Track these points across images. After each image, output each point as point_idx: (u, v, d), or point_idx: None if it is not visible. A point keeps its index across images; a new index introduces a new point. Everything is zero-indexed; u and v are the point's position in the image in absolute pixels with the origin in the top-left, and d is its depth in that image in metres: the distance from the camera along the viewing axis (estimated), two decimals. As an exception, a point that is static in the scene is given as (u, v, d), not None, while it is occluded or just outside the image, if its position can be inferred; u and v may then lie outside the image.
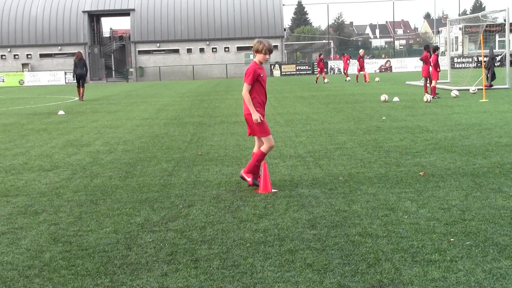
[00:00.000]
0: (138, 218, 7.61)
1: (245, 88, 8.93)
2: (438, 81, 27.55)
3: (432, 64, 26.84)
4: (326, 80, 47.00)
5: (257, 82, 8.97)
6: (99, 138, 16.14)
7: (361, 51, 48.23)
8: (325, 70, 51.77)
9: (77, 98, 37.01)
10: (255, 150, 9.28)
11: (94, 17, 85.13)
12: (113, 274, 5.61)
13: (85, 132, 17.84)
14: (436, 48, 27.58)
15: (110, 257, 6.11)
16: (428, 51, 28.31)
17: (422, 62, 28.29)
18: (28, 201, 8.83)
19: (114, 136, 16.56)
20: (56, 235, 6.98)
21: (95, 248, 6.40)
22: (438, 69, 26.69)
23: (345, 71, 51.23)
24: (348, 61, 51.42)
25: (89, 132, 17.80)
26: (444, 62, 49.96)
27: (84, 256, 6.15)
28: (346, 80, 47.80)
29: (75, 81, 35.69)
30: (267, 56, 8.99)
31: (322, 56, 49.07)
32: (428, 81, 27.88)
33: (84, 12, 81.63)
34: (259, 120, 8.87)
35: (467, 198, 7.96)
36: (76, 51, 39.00)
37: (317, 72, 49.27)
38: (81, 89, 35.28)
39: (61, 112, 24.99)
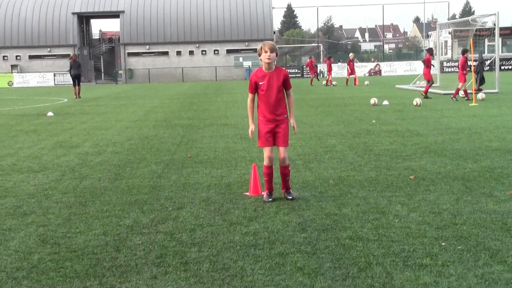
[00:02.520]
0: (127, 220, 7.55)
1: (248, 97, 8.57)
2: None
3: (460, 66, 26.56)
4: (334, 83, 47.17)
5: (259, 91, 8.42)
6: (88, 140, 16.06)
7: (351, 55, 48.34)
8: (316, 72, 52.00)
9: (66, 100, 37.12)
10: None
11: (84, 19, 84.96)
12: (102, 276, 5.56)
13: (74, 133, 17.75)
14: (465, 51, 26.77)
15: (99, 259, 6.05)
16: (431, 54, 28.39)
17: (423, 64, 28.35)
18: (16, 202, 8.75)
19: (103, 137, 16.48)
20: (45, 236, 6.92)
21: (84, 250, 6.35)
22: (464, 71, 26.21)
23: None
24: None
25: (78, 133, 17.71)
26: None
27: (73, 258, 6.10)
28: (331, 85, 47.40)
29: (72, 81, 39.45)
30: (269, 54, 8.17)
31: (332, 59, 49.10)
32: (428, 83, 27.99)
33: (73, 13, 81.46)
34: (250, 136, 8.58)
35: (458, 202, 7.95)
36: (65, 53, 41.10)
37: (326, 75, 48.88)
38: (77, 87, 38.61)
39: (50, 114, 24.87)
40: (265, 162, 8.51)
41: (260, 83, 8.37)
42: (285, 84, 8.47)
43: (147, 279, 5.46)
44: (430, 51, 29.40)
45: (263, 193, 8.64)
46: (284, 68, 8.39)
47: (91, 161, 12.43)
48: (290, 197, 8.45)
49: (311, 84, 48.56)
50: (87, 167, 11.65)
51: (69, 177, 10.65)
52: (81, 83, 39.76)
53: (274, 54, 8.28)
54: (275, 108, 8.38)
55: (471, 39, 28.30)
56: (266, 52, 8.24)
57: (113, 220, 7.55)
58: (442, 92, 30.21)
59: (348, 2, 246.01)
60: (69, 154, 13.46)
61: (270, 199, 8.41)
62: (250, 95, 8.55)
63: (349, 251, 6.06)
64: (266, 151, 8.46)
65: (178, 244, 6.49)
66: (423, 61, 28.62)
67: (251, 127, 8.56)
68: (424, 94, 27.74)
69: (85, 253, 6.24)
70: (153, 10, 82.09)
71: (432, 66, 29.16)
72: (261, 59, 8.39)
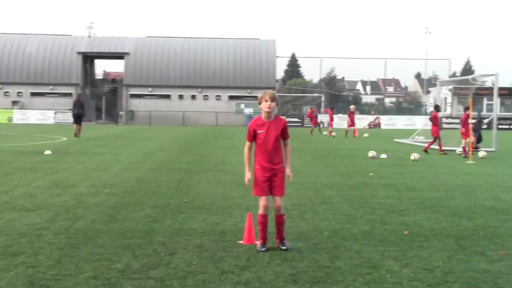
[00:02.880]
0: (118, 264, 7.52)
1: (246, 145, 8.62)
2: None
3: (462, 123, 26.89)
4: (334, 133, 47.01)
5: (257, 139, 8.49)
6: (84, 180, 16.05)
7: (352, 107, 48.55)
8: (317, 123, 52.19)
9: (65, 138, 37.20)
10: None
11: (88, 59, 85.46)
12: (90, 320, 5.52)
13: (71, 173, 17.74)
14: (467, 108, 27.01)
15: (87, 302, 6.01)
16: (438, 111, 28.53)
17: (431, 122, 28.48)
18: (7, 241, 8.71)
19: (100, 178, 16.47)
20: (34, 278, 6.88)
21: (73, 293, 6.31)
22: (464, 129, 26.52)
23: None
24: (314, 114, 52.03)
25: (75, 173, 17.71)
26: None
27: (61, 301, 6.05)
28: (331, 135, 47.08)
29: (74, 120, 39.96)
30: (269, 103, 8.32)
31: (352, 109, 48.25)
32: (437, 141, 28.03)
33: (78, 53, 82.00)
34: (246, 184, 8.62)
35: (450, 260, 7.93)
36: (67, 92, 42.19)
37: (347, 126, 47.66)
38: (78, 126, 39.19)
39: (47, 152, 24.87)
40: (261, 211, 8.51)
41: (258, 131, 8.44)
42: (283, 134, 8.53)
43: (134, 325, 5.42)
44: (436, 108, 29.56)
45: (257, 242, 8.61)
46: (284, 117, 8.45)
47: (86, 202, 12.41)
48: (284, 248, 8.43)
49: (311, 134, 48.72)
50: (81, 208, 11.63)
51: (63, 218, 10.62)
52: (82, 123, 40.28)
53: (275, 104, 8.39)
54: (272, 157, 8.43)
55: (471, 98, 28.51)
56: (266, 101, 8.36)
57: (104, 264, 7.51)
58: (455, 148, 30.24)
59: (351, 54, 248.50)
60: (64, 194, 13.44)
61: (263, 249, 8.37)
62: (247, 143, 8.59)
63: (339, 305, 6.03)
64: (262, 200, 8.47)
65: (168, 290, 6.46)
66: (430, 119, 28.70)
67: (247, 175, 8.60)
68: (441, 152, 27.80)
69: (74, 296, 6.20)
70: (158, 53, 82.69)
71: (440, 125, 29.27)
72: (261, 108, 8.46)
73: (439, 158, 25.56)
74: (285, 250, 8.37)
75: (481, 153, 25.97)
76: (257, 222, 8.63)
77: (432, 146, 28.28)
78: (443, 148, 28.19)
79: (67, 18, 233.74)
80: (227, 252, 8.22)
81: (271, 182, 8.45)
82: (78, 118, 39.37)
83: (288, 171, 8.61)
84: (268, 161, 8.43)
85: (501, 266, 7.66)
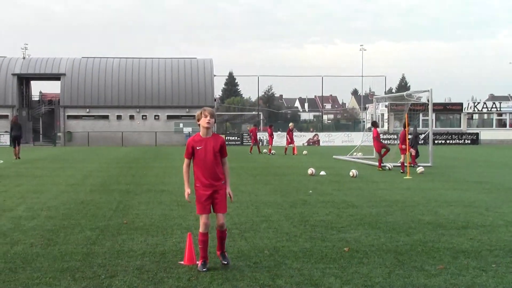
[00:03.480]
0: (58, 288, 7.42)
1: (184, 162, 8.68)
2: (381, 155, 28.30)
3: (400, 139, 27.31)
4: (273, 151, 46.74)
5: (196, 156, 8.56)
6: (22, 203, 15.77)
7: (291, 125, 48.82)
8: (257, 141, 52.11)
9: (1, 161, 36.52)
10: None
11: (24, 80, 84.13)
12: None
13: (7, 196, 17.41)
14: (405, 125, 27.40)
15: (26, 329, 5.92)
16: (376, 127, 28.99)
17: (374, 140, 28.97)
18: None
19: (38, 201, 16.21)
20: (-29, 304, 6.74)
21: (11, 319, 6.20)
22: (403, 146, 26.92)
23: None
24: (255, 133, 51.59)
25: (12, 196, 17.39)
26: (370, 138, 50.87)
27: (-1, 328, 5.95)
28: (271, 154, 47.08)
29: (12, 142, 40.66)
30: (208, 119, 8.41)
31: (291, 126, 48.21)
32: (378, 157, 28.54)
33: (13, 74, 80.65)
34: (187, 199, 8.64)
35: (390, 275, 8.05)
36: (3, 114, 42.05)
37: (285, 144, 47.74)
38: (17, 148, 39.39)
39: (-17, 175, 24.35)
40: (201, 229, 8.51)
41: (197, 148, 8.49)
42: (221, 151, 8.60)
43: None
44: (375, 124, 29.99)
45: (197, 262, 8.60)
46: (222, 135, 8.51)
47: (24, 225, 12.21)
48: (225, 262, 8.47)
49: (250, 152, 48.81)
50: (19, 232, 11.43)
51: (0, 242, 10.41)
52: (20, 144, 40.21)
53: (213, 120, 8.50)
54: (212, 173, 8.47)
55: (406, 114, 29.03)
56: (206, 116, 8.43)
57: (43, 288, 7.41)
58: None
59: (289, 72, 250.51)
60: (1, 218, 13.19)
61: (204, 269, 8.37)
62: (186, 160, 8.65)
63: (281, 323, 6.06)
64: (203, 218, 8.48)
65: (109, 314, 6.40)
66: (376, 138, 29.05)
67: (187, 190, 8.60)
68: (379, 168, 28.32)
69: (13, 322, 6.10)
70: (95, 74, 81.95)
71: (380, 139, 29.69)
72: (199, 124, 8.53)
73: (378, 174, 25.93)
74: (226, 264, 8.40)
75: (419, 169, 26.47)
76: (197, 241, 8.62)
77: (368, 162, 28.69)
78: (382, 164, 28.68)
79: (0, 39, 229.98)
80: (168, 273, 8.20)
81: (213, 199, 8.48)
82: (17, 140, 39.54)
83: (228, 189, 8.65)
84: (208, 178, 8.46)
85: (439, 280, 7.81)
